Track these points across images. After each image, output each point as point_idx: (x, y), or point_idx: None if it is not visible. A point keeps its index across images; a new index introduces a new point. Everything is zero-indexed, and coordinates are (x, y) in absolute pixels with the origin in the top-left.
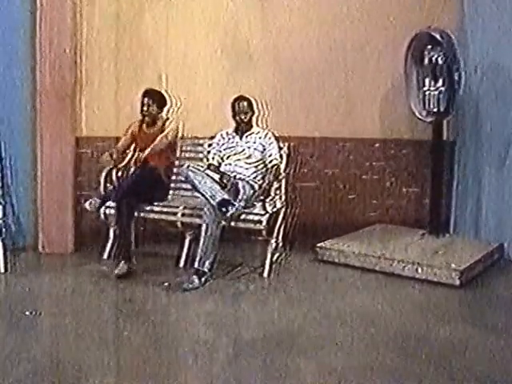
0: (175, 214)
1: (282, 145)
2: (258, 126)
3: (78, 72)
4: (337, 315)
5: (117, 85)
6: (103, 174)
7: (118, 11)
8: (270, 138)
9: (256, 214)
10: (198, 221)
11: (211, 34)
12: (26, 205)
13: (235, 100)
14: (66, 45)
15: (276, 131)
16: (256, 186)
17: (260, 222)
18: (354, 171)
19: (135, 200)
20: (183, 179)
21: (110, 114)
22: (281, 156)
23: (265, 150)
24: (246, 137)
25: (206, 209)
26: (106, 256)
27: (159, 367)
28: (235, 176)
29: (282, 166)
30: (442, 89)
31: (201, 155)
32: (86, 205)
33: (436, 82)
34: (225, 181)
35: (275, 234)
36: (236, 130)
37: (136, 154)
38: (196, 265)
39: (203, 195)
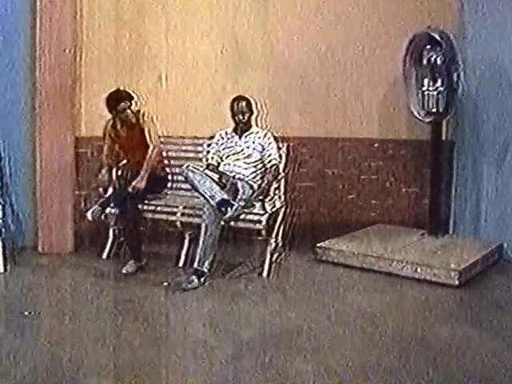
0: (175, 213)
1: (281, 145)
2: (257, 125)
3: (78, 72)
4: (336, 315)
5: (116, 85)
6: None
7: (117, 11)
8: (269, 138)
9: (255, 214)
10: (197, 221)
11: (210, 34)
12: (26, 204)
13: (234, 100)
14: (66, 44)
15: (275, 131)
16: (255, 186)
17: (259, 221)
18: (354, 171)
19: (139, 200)
20: (183, 179)
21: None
22: (280, 156)
23: (264, 149)
24: (245, 137)
25: (205, 209)
26: (105, 256)
27: (158, 367)
28: (234, 176)
29: (281, 166)
30: (441, 89)
31: (200, 155)
32: (88, 215)
33: (435, 82)
34: (224, 181)
35: (274, 234)
36: (235, 130)
37: (125, 155)
38: (195, 265)
39: (202, 195)
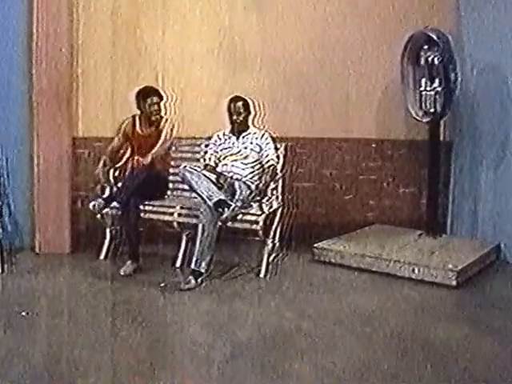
0: (172, 214)
1: (278, 145)
2: (254, 126)
3: (75, 72)
4: (333, 316)
5: (113, 85)
6: (99, 167)
7: (114, 11)
8: (266, 139)
9: (253, 215)
10: (194, 221)
11: (208, 35)
12: (23, 205)
13: (231, 100)
14: (63, 45)
15: (272, 132)
16: (253, 187)
17: (257, 222)
18: (351, 171)
19: (140, 200)
20: (180, 180)
21: (106, 114)
22: (277, 156)
23: (261, 150)
24: (243, 137)
25: (202, 209)
26: (102, 256)
27: (155, 368)
28: (232, 176)
29: (279, 167)
30: (439, 89)
31: (198, 156)
32: (90, 205)
33: (432, 82)
34: (221, 181)
35: (272, 235)
36: (233, 131)
37: (134, 156)
38: (193, 265)
39: (200, 196)
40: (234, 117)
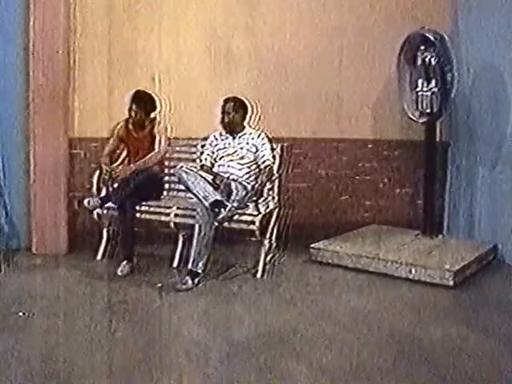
0: (168, 214)
1: (274, 145)
2: (250, 126)
3: (71, 73)
4: (330, 316)
5: (109, 86)
6: (96, 175)
7: (110, 13)
8: (262, 139)
9: (249, 215)
10: (191, 221)
11: (203, 36)
12: (19, 206)
13: (226, 101)
14: (59, 46)
15: (268, 132)
16: (249, 187)
17: (253, 222)
18: (347, 172)
19: (136, 201)
20: (176, 180)
21: (102, 115)
22: (274, 157)
23: (257, 150)
24: (239, 138)
25: (199, 209)
26: (99, 257)
27: (152, 368)
28: (228, 177)
29: (275, 167)
30: (435, 90)
31: (194, 156)
32: (85, 202)
33: (429, 82)
34: (218, 182)
35: (268, 235)
36: (229, 131)
37: (129, 158)
38: (189, 265)
39: (196, 196)
40: (228, 117)
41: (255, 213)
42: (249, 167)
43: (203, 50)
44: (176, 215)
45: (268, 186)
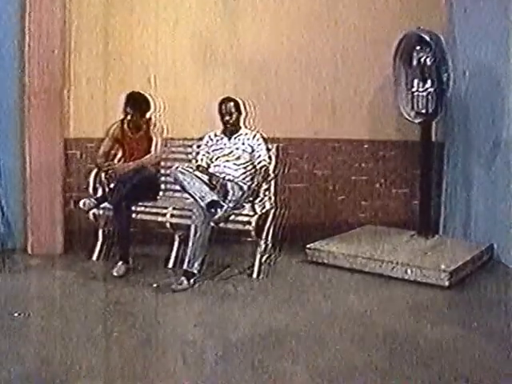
0: (164, 215)
1: (270, 146)
2: (246, 127)
3: (67, 73)
4: (326, 316)
5: (105, 86)
6: (92, 176)
7: (106, 12)
8: (258, 139)
9: (245, 215)
10: (187, 222)
11: (199, 37)
12: (15, 206)
13: (222, 101)
14: (55, 46)
15: (264, 132)
16: (245, 187)
17: (249, 222)
18: (343, 172)
19: (133, 202)
20: (172, 180)
21: (98, 116)
22: (269, 157)
23: (253, 151)
24: (235, 138)
25: (195, 210)
26: (95, 257)
27: (148, 368)
28: (224, 177)
29: (271, 167)
30: (431, 90)
31: (190, 156)
32: (81, 203)
33: (425, 83)
34: (214, 182)
35: (264, 235)
36: (224, 132)
37: (124, 159)
38: (185, 266)
39: (192, 196)
40: (225, 118)
41: (251, 213)
42: (245, 167)
43: (200, 50)
44: (172, 215)
45: (264, 186)
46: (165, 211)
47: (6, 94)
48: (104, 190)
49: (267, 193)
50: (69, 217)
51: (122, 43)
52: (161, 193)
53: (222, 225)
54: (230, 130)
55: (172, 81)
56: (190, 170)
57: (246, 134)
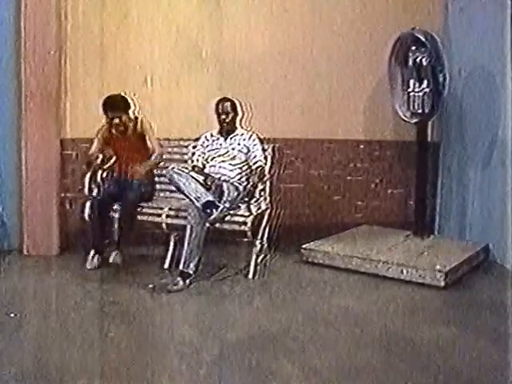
0: (160, 215)
1: (266, 146)
2: (242, 127)
3: (63, 74)
4: (322, 316)
5: (101, 87)
6: (87, 176)
7: (102, 13)
8: (254, 140)
9: (241, 216)
10: (182, 222)
11: (195, 38)
12: (11, 207)
13: (218, 101)
14: (51, 47)
15: (260, 133)
16: (240, 188)
17: (245, 223)
18: (339, 172)
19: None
20: (168, 181)
21: (94, 116)
22: (265, 157)
23: (249, 151)
24: (231, 138)
25: (190, 210)
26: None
27: (144, 369)
28: (220, 177)
29: (267, 168)
30: (427, 90)
31: (185, 157)
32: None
33: (420, 83)
34: (209, 182)
35: (260, 236)
36: (220, 132)
37: (120, 160)
38: (181, 266)
39: (188, 197)
40: (221, 117)
41: (247, 213)
42: (240, 168)
43: (196, 51)
44: (168, 216)
45: (260, 186)
46: (160, 212)
47: (2, 95)
48: (99, 189)
49: (263, 193)
50: (65, 218)
51: (118, 43)
52: (157, 193)
53: (217, 225)
54: (226, 130)
55: (168, 81)
56: (186, 171)
57: (242, 134)
